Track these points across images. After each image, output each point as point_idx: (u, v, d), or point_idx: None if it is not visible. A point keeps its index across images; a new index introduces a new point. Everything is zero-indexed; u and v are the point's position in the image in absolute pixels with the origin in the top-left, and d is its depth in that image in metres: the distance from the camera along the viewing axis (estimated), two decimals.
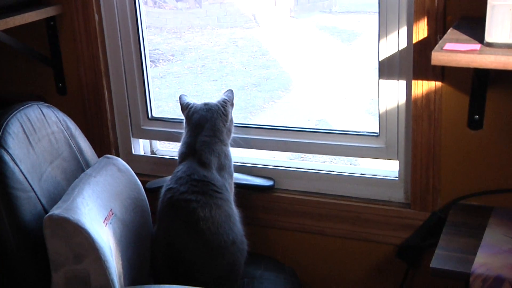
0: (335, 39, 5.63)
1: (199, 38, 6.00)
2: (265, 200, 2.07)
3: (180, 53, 5.70)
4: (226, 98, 1.96)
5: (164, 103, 4.64)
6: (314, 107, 4.74)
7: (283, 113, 4.66)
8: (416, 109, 1.79)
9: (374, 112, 4.34)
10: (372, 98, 4.61)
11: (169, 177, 1.86)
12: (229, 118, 1.93)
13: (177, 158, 1.93)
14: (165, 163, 2.20)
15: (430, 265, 1.54)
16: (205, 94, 4.80)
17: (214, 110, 1.90)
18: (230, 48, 5.75)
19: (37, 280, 1.56)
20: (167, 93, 4.88)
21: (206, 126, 1.88)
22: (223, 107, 1.92)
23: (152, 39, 5.67)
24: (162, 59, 5.55)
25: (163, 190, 1.81)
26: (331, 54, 5.38)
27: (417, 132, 1.81)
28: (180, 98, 1.97)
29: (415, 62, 1.75)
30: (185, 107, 1.94)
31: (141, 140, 2.28)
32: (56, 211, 1.52)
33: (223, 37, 5.95)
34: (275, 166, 2.10)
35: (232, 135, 1.96)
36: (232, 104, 1.97)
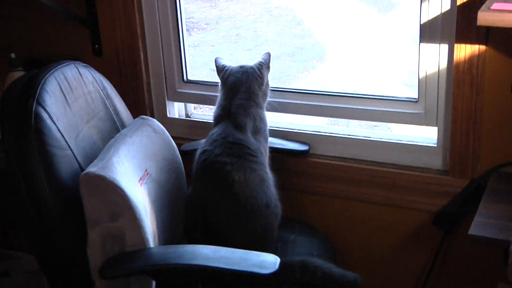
0: (372, 9, 5.53)
1: (234, 7, 5.96)
2: (300, 165, 2.05)
3: (214, 22, 5.67)
4: (262, 61, 1.93)
5: (198, 72, 4.62)
6: (349, 78, 4.68)
7: (317, 83, 4.61)
8: (458, 74, 1.74)
9: (410, 84, 4.30)
10: (408, 69, 4.53)
11: (203, 140, 1.84)
12: (265, 81, 1.91)
13: (211, 121, 1.91)
14: (199, 127, 2.19)
15: (469, 232, 1.51)
16: (239, 63, 4.78)
17: (249, 73, 1.88)
18: (265, 17, 5.69)
19: (73, 237, 1.57)
20: (201, 62, 4.87)
21: (242, 88, 1.85)
22: (259, 70, 1.90)
23: (187, 8, 5.62)
24: (197, 28, 5.53)
25: (198, 152, 1.80)
26: (367, 25, 5.29)
27: (458, 97, 1.76)
28: (215, 60, 1.95)
29: (459, 24, 1.69)
30: (221, 69, 1.92)
31: (176, 103, 2.27)
32: (92, 169, 1.53)
33: (258, 6, 5.89)
34: (310, 131, 2.07)
35: (268, 99, 1.94)
36: (268, 67, 1.94)
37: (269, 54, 1.95)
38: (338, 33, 5.28)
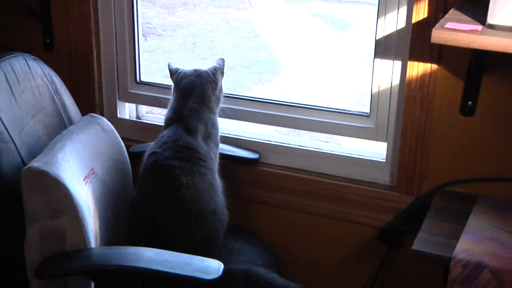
0: (329, 27, 5.61)
1: (192, 15, 5.95)
2: (250, 173, 2.04)
3: (171, 29, 5.64)
4: (217, 66, 1.92)
5: (152, 77, 4.54)
6: (302, 93, 4.72)
7: (271, 96, 4.63)
8: (409, 91, 1.76)
9: (362, 102, 4.36)
10: (361, 88, 4.60)
11: (153, 143, 1.81)
12: (219, 86, 1.89)
13: (162, 124, 1.88)
14: (149, 129, 2.15)
15: (412, 247, 1.52)
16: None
17: (203, 77, 1.86)
18: (222, 28, 5.70)
19: (10, 234, 1.52)
20: (155, 67, 4.83)
21: (195, 92, 1.84)
22: (213, 74, 1.88)
23: (144, 13, 5.60)
24: (153, 33, 5.49)
25: (147, 153, 1.77)
26: (323, 42, 5.36)
27: (409, 114, 1.79)
28: (169, 65, 1.94)
29: (413, 42, 1.72)
30: (174, 72, 1.90)
31: (127, 104, 2.23)
32: (35, 163, 1.48)
33: (216, 16, 5.89)
34: (261, 139, 2.07)
35: (221, 104, 1.92)
36: (222, 73, 1.93)
37: (223, 60, 1.95)
38: (294, 49, 5.34)
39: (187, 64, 4.95)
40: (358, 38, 5.34)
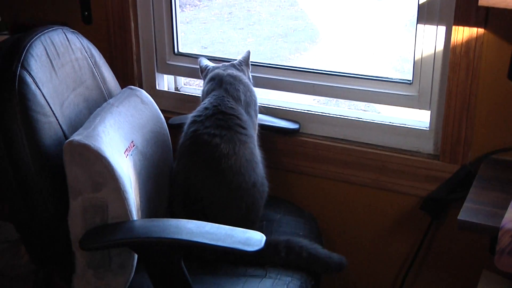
0: None
1: None
2: (290, 144, 2.01)
3: None
4: (241, 59, 1.92)
5: (189, 48, 4.55)
6: (341, 61, 4.64)
7: (308, 65, 4.57)
8: (454, 57, 1.70)
9: (401, 70, 4.27)
10: (400, 55, 4.50)
11: (194, 111, 1.79)
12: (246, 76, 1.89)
13: (201, 95, 1.87)
14: (188, 100, 2.14)
15: (458, 217, 1.48)
16: (230, 42, 4.72)
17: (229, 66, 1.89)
18: None
19: (54, 207, 1.52)
20: (192, 39, 4.80)
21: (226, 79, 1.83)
22: (239, 66, 1.90)
23: None
24: (189, 4, 5.45)
25: (187, 122, 1.75)
26: (361, 8, 5.24)
27: (453, 81, 1.73)
28: (199, 62, 1.96)
29: (458, 5, 1.65)
30: (204, 69, 1.91)
31: (165, 76, 2.22)
32: (76, 137, 1.48)
33: None
34: (301, 109, 2.04)
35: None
36: (247, 64, 1.92)
37: (248, 52, 1.94)
38: (332, 16, 5.24)
39: (224, 34, 4.92)
40: (398, 3, 5.21)
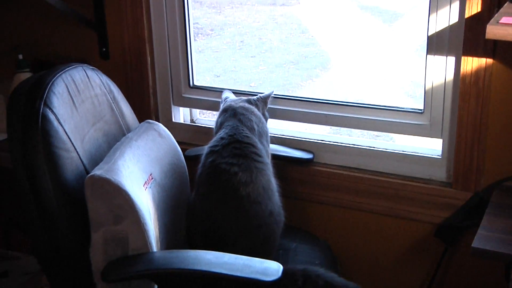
0: (377, 19, 5.54)
1: (239, 13, 5.97)
2: (304, 173, 2.05)
3: (219, 28, 5.68)
4: (261, 96, 1.99)
5: (201, 77, 4.63)
6: (352, 87, 4.68)
7: (320, 92, 4.62)
8: (464, 86, 1.74)
9: (414, 95, 4.30)
10: (412, 80, 4.54)
11: (207, 146, 1.84)
12: (260, 112, 1.95)
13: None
14: (204, 132, 2.19)
15: (472, 245, 1.50)
16: (242, 70, 4.79)
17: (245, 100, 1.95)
18: (269, 25, 5.70)
19: (76, 239, 1.57)
20: (204, 67, 4.88)
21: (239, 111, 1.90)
22: (255, 102, 1.96)
23: (192, 13, 5.65)
24: (201, 34, 5.54)
25: (204, 153, 1.80)
26: (372, 35, 5.30)
27: (464, 110, 1.77)
28: (223, 92, 2.04)
29: (466, 37, 1.70)
30: (223, 100, 1.98)
31: (181, 108, 2.27)
32: (97, 171, 1.53)
33: (263, 14, 5.90)
34: (314, 139, 2.08)
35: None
36: (265, 103, 1.99)
37: (271, 92, 2.01)
38: (342, 43, 5.30)
39: (236, 62, 4.99)
40: (407, 29, 5.26)
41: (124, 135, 1.81)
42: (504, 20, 1.39)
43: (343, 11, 5.73)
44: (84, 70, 1.76)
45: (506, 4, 1.51)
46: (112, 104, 1.84)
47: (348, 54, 5.14)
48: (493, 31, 1.38)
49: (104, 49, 2.21)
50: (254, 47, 5.32)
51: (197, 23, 5.61)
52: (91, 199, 1.52)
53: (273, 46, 5.33)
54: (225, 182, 1.72)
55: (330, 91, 4.64)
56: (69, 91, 1.66)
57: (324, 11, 5.79)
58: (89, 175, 1.52)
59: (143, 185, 1.64)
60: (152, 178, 1.70)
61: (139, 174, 1.64)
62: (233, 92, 2.06)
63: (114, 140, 1.77)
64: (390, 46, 5.12)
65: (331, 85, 4.76)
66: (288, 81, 4.68)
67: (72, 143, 1.60)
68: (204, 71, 4.79)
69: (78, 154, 1.61)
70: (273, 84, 4.49)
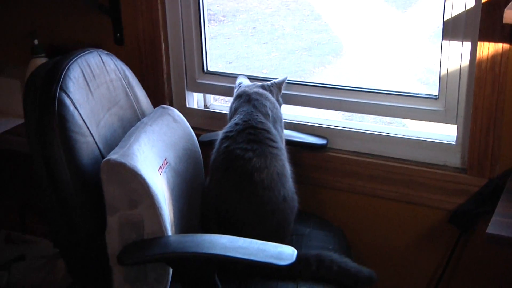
0: (390, 5, 5.50)
1: (251, 0, 5.95)
2: (317, 159, 2.06)
3: (231, 14, 5.67)
4: (275, 82, 1.99)
5: (214, 64, 4.61)
6: (365, 74, 4.66)
7: (333, 79, 4.60)
8: (480, 72, 1.74)
9: (427, 81, 4.28)
10: (425, 67, 4.51)
11: (221, 131, 1.85)
12: (274, 98, 1.95)
13: None
14: (217, 118, 2.19)
15: (487, 231, 1.50)
16: (255, 56, 4.78)
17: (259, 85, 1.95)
18: (282, 11, 5.68)
19: (92, 223, 1.58)
20: (217, 54, 4.87)
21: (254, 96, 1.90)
22: (269, 87, 1.96)
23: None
24: (214, 20, 5.53)
25: (219, 138, 1.81)
26: (385, 21, 5.27)
27: (479, 96, 1.76)
28: (238, 78, 2.04)
29: (483, 22, 1.69)
30: (237, 86, 1.98)
31: (195, 94, 2.28)
32: (113, 156, 1.54)
33: (275, 0, 5.88)
34: (328, 125, 2.08)
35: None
36: (279, 88, 1.99)
37: (285, 78, 2.01)
38: (355, 29, 5.26)
39: (248, 49, 4.98)
40: (421, 15, 5.23)
41: (138, 120, 1.82)
42: None
43: None
44: (99, 55, 1.77)
45: None
46: (127, 89, 1.84)
47: (361, 41, 5.11)
48: (511, 15, 1.37)
49: (118, 35, 2.22)
50: (267, 33, 5.30)
51: (209, 9, 5.59)
52: (107, 183, 1.54)
53: (286, 32, 5.31)
54: (240, 167, 1.72)
55: (342, 77, 4.62)
56: (84, 76, 1.67)
57: None
58: (104, 159, 1.53)
59: (158, 170, 1.65)
60: (167, 163, 1.71)
61: (154, 158, 1.65)
62: (247, 78, 2.06)
63: (129, 125, 1.78)
64: (403, 32, 5.09)
65: (344, 71, 4.74)
66: (301, 68, 4.67)
67: (88, 128, 1.61)
68: (217, 57, 4.79)
69: (94, 139, 1.62)
70: (286, 71, 4.47)
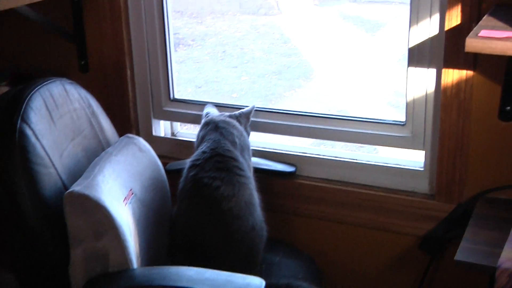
0: (359, 29, 5.59)
1: (220, 23, 5.99)
2: (286, 187, 2.07)
3: (200, 38, 5.70)
4: (242, 112, 1.99)
5: (183, 88, 4.64)
6: (335, 97, 4.72)
7: (303, 102, 4.64)
8: (445, 98, 1.77)
9: (397, 105, 4.34)
10: (395, 90, 4.58)
11: (189, 160, 1.85)
12: (240, 131, 1.95)
13: None
14: (185, 145, 2.20)
15: (455, 258, 1.53)
16: (224, 81, 4.80)
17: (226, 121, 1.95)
18: (251, 35, 5.73)
19: (56, 256, 1.56)
20: (186, 78, 4.88)
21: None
22: (236, 118, 1.97)
23: (173, 23, 5.65)
24: (182, 44, 5.55)
25: (186, 167, 1.81)
26: (354, 44, 5.35)
27: (446, 121, 1.79)
28: (205, 107, 2.04)
29: (447, 49, 1.73)
30: (204, 116, 1.99)
31: (161, 121, 2.28)
32: (76, 187, 1.53)
33: (245, 24, 5.93)
34: (296, 152, 2.09)
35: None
36: (247, 118, 2.00)
37: (252, 107, 2.02)
38: (325, 52, 5.33)
39: (218, 73, 5.00)
40: (390, 38, 5.32)
41: (103, 150, 1.81)
42: (483, 33, 1.42)
43: (325, 21, 5.78)
44: (63, 85, 1.76)
45: (485, 17, 1.54)
46: (91, 118, 1.84)
47: (331, 63, 5.18)
48: (473, 44, 1.40)
49: (83, 62, 2.21)
50: (236, 57, 5.34)
51: (178, 33, 5.62)
52: (70, 216, 1.52)
53: (255, 56, 5.35)
54: (207, 196, 1.72)
55: (313, 101, 4.67)
56: (47, 106, 1.66)
57: (306, 21, 5.83)
58: (67, 191, 1.52)
59: (123, 201, 1.64)
60: (132, 193, 1.70)
61: (118, 189, 1.64)
62: (215, 105, 2.07)
63: (93, 155, 1.77)
64: (373, 55, 5.17)
65: (314, 95, 4.79)
66: (271, 92, 4.70)
67: (50, 159, 1.59)
68: (186, 82, 4.79)
69: (57, 170, 1.61)
70: (256, 95, 4.50)
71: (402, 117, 1.94)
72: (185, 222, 1.77)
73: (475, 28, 1.47)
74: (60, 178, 1.62)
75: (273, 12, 6.05)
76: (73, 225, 1.53)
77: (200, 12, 6.08)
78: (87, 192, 1.51)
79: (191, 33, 5.75)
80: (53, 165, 1.60)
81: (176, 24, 5.73)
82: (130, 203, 1.67)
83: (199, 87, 4.76)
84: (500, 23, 1.48)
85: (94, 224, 1.52)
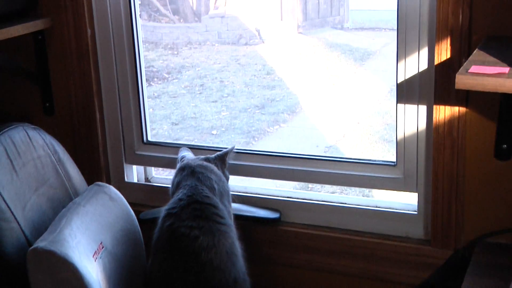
0: (347, 57, 5.67)
1: (198, 54, 6.05)
2: (271, 234, 2.07)
3: (176, 71, 5.74)
4: (219, 154, 2.01)
5: (158, 126, 4.66)
6: (323, 132, 4.75)
7: (289, 138, 4.67)
8: (437, 137, 1.80)
9: (390, 139, 4.39)
10: (387, 123, 4.63)
11: (164, 208, 1.86)
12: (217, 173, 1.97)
13: None
14: (160, 192, 2.20)
15: None
16: (203, 116, 4.82)
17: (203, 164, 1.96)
18: (232, 66, 5.78)
19: None
20: (161, 115, 4.89)
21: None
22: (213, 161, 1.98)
23: (146, 55, 5.71)
24: (157, 77, 5.59)
25: (162, 216, 1.81)
26: (343, 75, 5.41)
27: (439, 162, 1.82)
28: (180, 150, 2.06)
29: (437, 85, 1.76)
30: (179, 160, 2.01)
31: (134, 166, 2.29)
32: (41, 243, 1.53)
33: (224, 54, 5.98)
34: (281, 196, 2.11)
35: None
36: (223, 160, 2.01)
37: (232, 148, 2.04)
38: (312, 84, 5.38)
39: (196, 108, 5.02)
40: (380, 68, 5.40)
41: (71, 200, 1.82)
42: (473, 69, 1.45)
43: (311, 50, 5.85)
44: (25, 130, 1.78)
45: (475, 51, 1.58)
46: (57, 166, 1.85)
47: (318, 96, 5.22)
48: (463, 81, 1.43)
49: (47, 104, 2.22)
50: (215, 91, 5.37)
51: (151, 66, 5.66)
52: (34, 274, 1.52)
53: (236, 89, 5.39)
54: (185, 247, 1.73)
55: (299, 137, 4.69)
56: (8, 154, 1.67)
57: (290, 50, 5.89)
58: (31, 247, 1.52)
59: (93, 256, 1.64)
60: (102, 247, 1.70)
61: (87, 243, 1.64)
62: (191, 148, 2.09)
63: (60, 206, 1.77)
64: (362, 86, 5.23)
65: (300, 130, 4.82)
66: (254, 127, 4.72)
67: (12, 212, 1.60)
68: (161, 118, 4.80)
69: (19, 224, 1.61)
70: (237, 132, 4.53)
71: (395, 153, 1.97)
72: (160, 277, 1.76)
73: (465, 64, 1.50)
74: (23, 233, 1.62)
75: (255, 42, 6.13)
76: (37, 284, 1.52)
77: (176, 42, 6.13)
78: (53, 248, 1.51)
79: (166, 66, 5.79)
80: (15, 219, 1.60)
81: (150, 56, 5.78)
82: (100, 258, 1.67)
83: (175, 124, 4.77)
84: (491, 58, 1.51)
85: (61, 282, 1.51)
